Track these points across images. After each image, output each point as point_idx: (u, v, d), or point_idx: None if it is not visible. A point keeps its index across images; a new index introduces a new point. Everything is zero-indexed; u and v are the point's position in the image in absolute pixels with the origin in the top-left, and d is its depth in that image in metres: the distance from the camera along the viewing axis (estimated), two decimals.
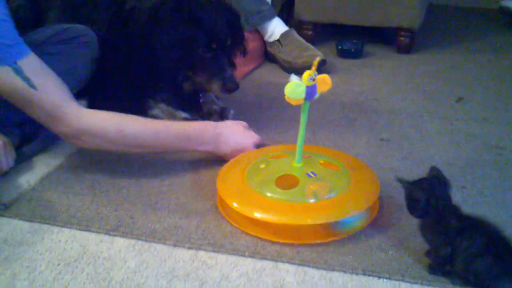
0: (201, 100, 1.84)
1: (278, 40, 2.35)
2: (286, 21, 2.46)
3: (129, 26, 1.68)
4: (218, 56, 1.61)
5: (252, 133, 1.55)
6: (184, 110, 1.80)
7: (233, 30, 1.67)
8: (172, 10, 1.58)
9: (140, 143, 1.41)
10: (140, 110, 1.74)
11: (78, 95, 1.76)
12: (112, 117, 1.38)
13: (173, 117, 1.73)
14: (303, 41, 2.34)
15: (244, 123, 1.56)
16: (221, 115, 1.75)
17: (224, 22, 1.62)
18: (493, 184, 1.41)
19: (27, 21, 1.85)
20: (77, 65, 1.67)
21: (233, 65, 1.73)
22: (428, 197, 1.05)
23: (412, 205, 1.07)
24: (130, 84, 1.73)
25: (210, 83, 1.62)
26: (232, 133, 1.50)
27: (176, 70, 1.62)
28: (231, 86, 1.60)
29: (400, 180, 1.09)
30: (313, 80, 1.18)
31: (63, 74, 1.65)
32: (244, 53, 1.77)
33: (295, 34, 2.36)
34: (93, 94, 1.78)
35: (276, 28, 2.37)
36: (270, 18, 2.36)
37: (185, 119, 1.73)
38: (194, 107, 1.85)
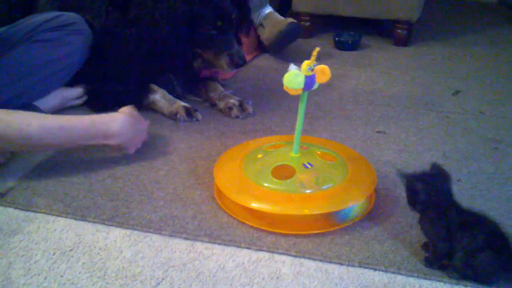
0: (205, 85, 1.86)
1: (261, 24, 2.34)
2: (284, 12, 2.44)
3: (129, 12, 1.69)
4: (225, 32, 1.66)
5: (141, 127, 1.49)
6: (190, 93, 1.86)
7: (238, 7, 1.72)
8: None
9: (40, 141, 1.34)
10: (139, 95, 1.75)
11: (74, 82, 1.77)
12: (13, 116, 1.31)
13: (172, 104, 1.73)
14: (280, 16, 2.33)
15: (133, 112, 1.48)
16: (241, 108, 1.76)
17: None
18: (489, 178, 1.41)
19: (19, 8, 1.84)
20: (68, 52, 1.66)
21: (239, 42, 1.77)
22: (428, 189, 1.04)
23: (412, 197, 1.07)
24: (131, 69, 1.74)
25: (218, 58, 1.68)
26: (121, 129, 1.41)
27: (183, 47, 1.67)
28: (238, 61, 1.67)
29: (400, 173, 1.09)
30: (312, 70, 1.17)
31: (54, 61, 1.64)
32: (248, 31, 1.81)
33: (274, 14, 2.35)
34: (93, 80, 1.78)
35: (262, 14, 2.36)
36: (260, 7, 2.35)
37: (184, 107, 1.72)
38: (197, 91, 1.88)
